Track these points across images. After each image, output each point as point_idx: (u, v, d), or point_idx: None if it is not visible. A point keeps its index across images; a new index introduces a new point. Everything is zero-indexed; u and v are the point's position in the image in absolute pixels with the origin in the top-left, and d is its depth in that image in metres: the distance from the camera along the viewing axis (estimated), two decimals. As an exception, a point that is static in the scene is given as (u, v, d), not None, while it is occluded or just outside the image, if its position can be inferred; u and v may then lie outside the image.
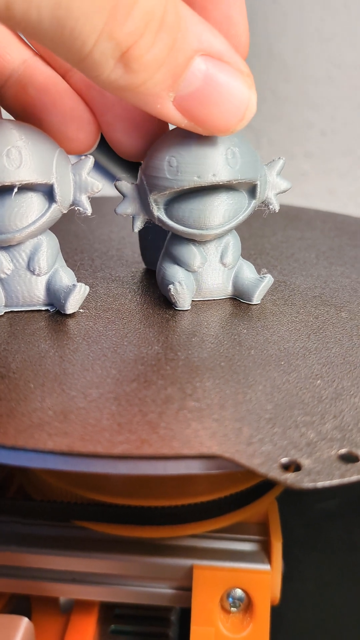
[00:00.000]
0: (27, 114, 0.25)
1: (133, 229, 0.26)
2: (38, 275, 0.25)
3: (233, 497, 0.31)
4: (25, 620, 0.24)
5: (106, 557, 0.31)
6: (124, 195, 0.26)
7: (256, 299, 0.27)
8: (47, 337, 0.24)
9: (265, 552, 0.31)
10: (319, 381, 0.21)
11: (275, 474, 0.16)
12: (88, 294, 0.28)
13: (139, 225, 0.26)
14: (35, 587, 0.31)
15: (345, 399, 0.20)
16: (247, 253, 0.34)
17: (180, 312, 0.26)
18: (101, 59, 0.18)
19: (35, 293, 0.26)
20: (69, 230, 0.38)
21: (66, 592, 0.32)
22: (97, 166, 0.59)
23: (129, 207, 0.26)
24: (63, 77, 0.25)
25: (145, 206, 0.25)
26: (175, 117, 0.21)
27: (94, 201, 0.27)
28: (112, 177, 0.53)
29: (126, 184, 0.26)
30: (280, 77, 0.58)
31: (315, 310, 0.27)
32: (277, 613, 0.33)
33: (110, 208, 0.31)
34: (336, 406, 0.19)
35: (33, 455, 0.17)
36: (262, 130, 0.60)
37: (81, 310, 0.26)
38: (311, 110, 0.60)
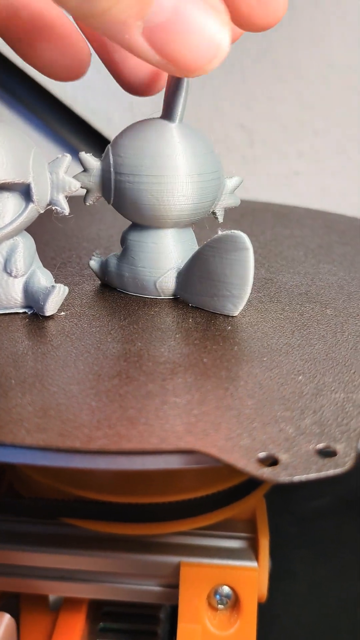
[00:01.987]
0: (20, 39, 0.24)
1: (85, 202, 0.27)
2: (15, 277, 0.25)
3: (220, 494, 0.31)
4: (6, 617, 0.24)
5: (94, 555, 0.31)
6: (85, 168, 0.27)
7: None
8: (30, 335, 0.24)
9: (252, 549, 0.31)
10: (300, 377, 0.21)
11: (252, 468, 0.16)
12: (74, 292, 0.28)
13: (90, 199, 0.27)
14: (24, 585, 0.32)
15: (325, 394, 0.20)
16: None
17: (166, 308, 0.26)
18: None
19: (12, 295, 0.25)
20: (57, 229, 0.38)
21: (54, 590, 0.32)
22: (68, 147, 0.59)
23: (86, 180, 0.27)
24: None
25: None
26: (144, 50, 0.19)
27: (78, 200, 0.27)
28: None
29: (91, 159, 0.26)
30: (273, 77, 0.58)
31: (301, 307, 0.27)
32: (267, 610, 0.33)
33: (99, 207, 0.31)
34: (316, 402, 0.19)
35: (11, 450, 0.17)
36: (255, 129, 0.60)
37: (62, 313, 0.26)
38: (304, 109, 0.60)
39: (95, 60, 0.57)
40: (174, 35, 0.19)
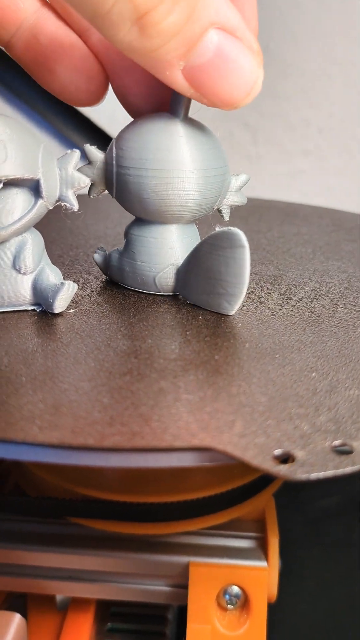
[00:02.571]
0: (38, 63, 0.25)
1: (89, 195, 0.27)
2: (24, 274, 0.25)
3: (230, 494, 0.30)
4: (17, 617, 0.24)
5: (101, 554, 0.30)
6: (89, 161, 0.26)
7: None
8: (40, 332, 0.24)
9: (262, 549, 0.30)
10: (313, 374, 0.21)
11: (268, 465, 0.16)
12: (83, 289, 0.28)
13: (94, 192, 0.27)
14: (31, 585, 0.31)
15: (340, 391, 0.19)
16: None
17: (176, 305, 0.26)
18: (118, 20, 0.18)
19: (21, 292, 0.25)
20: (64, 227, 0.38)
21: (62, 590, 0.32)
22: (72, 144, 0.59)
23: (90, 172, 0.26)
24: (80, 36, 0.25)
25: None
26: (182, 86, 0.21)
27: (86, 198, 0.27)
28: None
29: (95, 151, 0.26)
30: (278, 75, 0.58)
31: (311, 304, 0.27)
32: (277, 610, 0.33)
33: (106, 204, 0.31)
34: (331, 399, 0.19)
35: (23, 448, 0.17)
36: (260, 127, 0.60)
37: (71, 310, 0.25)
38: (308, 107, 0.59)
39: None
40: (214, 74, 0.20)
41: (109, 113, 0.58)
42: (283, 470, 0.16)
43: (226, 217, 0.28)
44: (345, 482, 0.56)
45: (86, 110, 0.58)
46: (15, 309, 0.25)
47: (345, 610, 0.45)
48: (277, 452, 0.16)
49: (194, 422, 0.18)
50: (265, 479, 0.32)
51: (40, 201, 0.24)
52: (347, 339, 0.23)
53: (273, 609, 0.31)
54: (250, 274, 0.30)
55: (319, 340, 0.23)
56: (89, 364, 0.21)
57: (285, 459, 0.16)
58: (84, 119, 0.58)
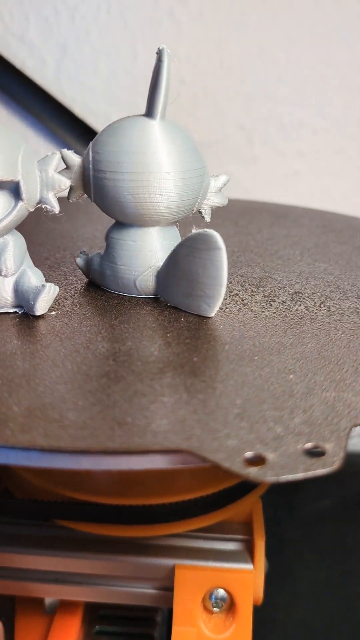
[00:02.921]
0: None
1: (68, 199, 0.27)
2: (5, 276, 0.25)
3: (216, 496, 0.30)
4: (-5, 620, 0.24)
5: (88, 557, 0.30)
6: (67, 165, 0.26)
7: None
8: (20, 335, 0.23)
9: (248, 551, 0.30)
10: (291, 376, 0.21)
11: (238, 467, 0.16)
12: (66, 291, 0.28)
13: (74, 196, 0.27)
14: (18, 588, 0.31)
15: (316, 393, 0.19)
16: (231, 250, 0.34)
17: (158, 308, 0.26)
18: None
19: (2, 295, 0.25)
20: (52, 229, 0.38)
21: (49, 592, 0.31)
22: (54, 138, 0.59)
23: (67, 177, 0.26)
24: None
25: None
26: None
27: (80, 201, 0.27)
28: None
29: (72, 155, 0.26)
30: (272, 76, 0.58)
31: (295, 306, 0.26)
32: (269, 612, 0.33)
33: (94, 207, 0.31)
34: (307, 401, 0.19)
35: (-6, 450, 0.17)
36: (254, 129, 0.60)
37: (52, 312, 0.25)
38: (303, 109, 0.59)
39: (94, 60, 0.57)
40: None
41: (104, 115, 0.58)
42: (252, 472, 0.16)
43: (207, 218, 0.28)
44: (339, 485, 0.56)
45: (82, 113, 0.58)
46: None
47: (337, 612, 0.45)
48: (248, 454, 0.16)
49: (167, 424, 0.18)
50: (251, 483, 0.31)
51: (20, 203, 0.24)
52: (328, 340, 0.23)
53: (264, 610, 0.31)
54: (236, 276, 0.30)
55: (299, 342, 0.23)
56: (66, 367, 0.21)
57: (257, 461, 0.16)
58: (79, 121, 0.58)
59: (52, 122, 0.59)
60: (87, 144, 0.26)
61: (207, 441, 0.17)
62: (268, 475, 0.15)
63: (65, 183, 0.25)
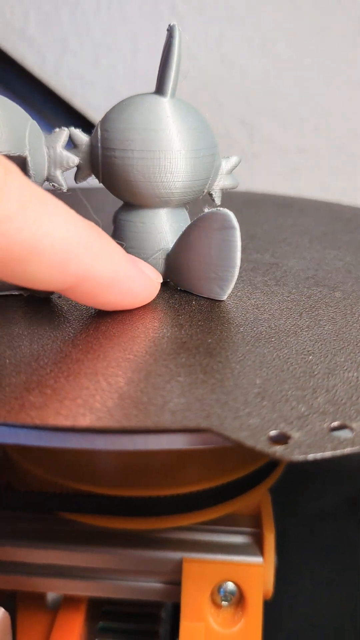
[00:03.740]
0: None
1: (75, 180, 0.26)
2: None
3: (224, 488, 0.30)
4: (0, 611, 0.23)
5: (92, 551, 0.29)
6: (74, 144, 0.26)
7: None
8: (27, 317, 0.23)
9: (257, 544, 0.30)
10: (311, 357, 0.20)
11: (263, 446, 0.15)
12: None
13: (81, 177, 0.26)
14: (20, 582, 0.30)
15: (338, 373, 0.19)
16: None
17: (169, 290, 0.25)
18: None
19: None
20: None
21: (51, 587, 0.31)
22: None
23: (76, 156, 0.25)
24: None
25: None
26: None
27: (84, 190, 0.26)
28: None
29: (80, 134, 0.25)
30: (274, 72, 0.57)
31: (308, 290, 0.26)
32: (272, 610, 0.32)
33: (100, 197, 0.30)
34: (329, 381, 0.18)
35: (5, 429, 0.16)
36: (256, 125, 0.59)
37: (59, 295, 0.25)
38: (304, 105, 0.59)
39: (95, 55, 0.56)
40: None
41: (105, 110, 0.57)
42: (279, 451, 0.15)
43: (217, 200, 0.27)
44: (341, 483, 0.56)
45: (82, 108, 0.58)
46: (3, 293, 0.25)
47: (340, 610, 0.45)
48: (273, 433, 0.16)
49: (185, 403, 0.17)
50: (260, 473, 0.31)
51: None
52: (345, 323, 0.23)
53: (268, 608, 0.30)
54: (246, 261, 0.29)
55: (316, 324, 0.22)
56: (76, 346, 0.20)
57: (282, 439, 0.15)
58: (80, 116, 0.58)
59: (52, 116, 0.59)
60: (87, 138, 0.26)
61: (228, 419, 0.16)
62: (295, 454, 0.15)
63: (73, 160, 0.24)
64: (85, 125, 0.58)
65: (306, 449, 0.15)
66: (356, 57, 0.57)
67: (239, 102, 0.59)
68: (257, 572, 0.29)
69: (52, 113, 0.59)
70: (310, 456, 0.15)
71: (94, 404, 0.17)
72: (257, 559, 0.29)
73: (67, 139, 0.24)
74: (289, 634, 0.43)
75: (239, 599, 0.29)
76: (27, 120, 0.23)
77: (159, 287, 0.23)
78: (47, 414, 0.16)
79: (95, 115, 0.57)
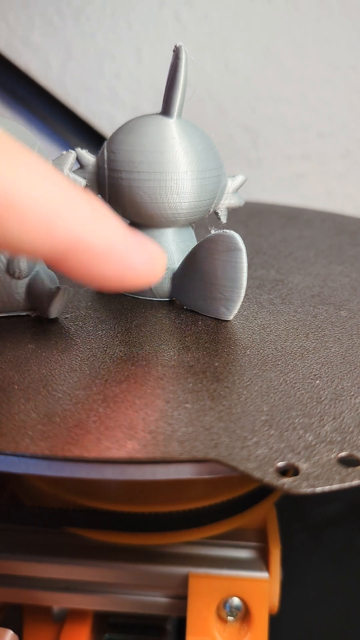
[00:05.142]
0: None
1: None
2: (18, 278, 0.24)
3: (230, 503, 0.30)
4: (9, 633, 0.23)
5: (98, 565, 0.30)
6: (81, 165, 0.26)
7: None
8: (35, 339, 0.23)
9: (263, 559, 0.30)
10: (317, 381, 0.20)
11: (272, 478, 0.15)
12: (79, 294, 0.27)
13: None
14: (27, 596, 0.31)
15: (345, 399, 0.19)
16: (244, 252, 0.33)
17: (174, 311, 0.25)
18: None
19: (15, 297, 0.24)
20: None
21: (58, 601, 0.31)
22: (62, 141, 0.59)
23: (81, 176, 0.26)
24: None
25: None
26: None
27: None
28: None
29: (87, 155, 0.26)
30: (278, 78, 0.57)
31: (314, 309, 0.26)
32: (278, 619, 0.32)
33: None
34: (336, 407, 0.18)
35: (14, 459, 0.16)
36: (259, 131, 0.59)
37: (67, 315, 0.25)
38: (308, 111, 0.59)
39: (99, 62, 0.56)
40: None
41: (108, 117, 0.57)
42: (288, 484, 0.15)
43: (223, 219, 0.27)
44: (346, 490, 0.56)
45: (86, 115, 0.58)
46: (10, 314, 0.25)
47: (347, 618, 0.45)
48: (281, 464, 0.16)
49: (193, 432, 0.17)
50: (266, 488, 0.31)
51: None
52: (351, 345, 0.23)
53: (274, 617, 0.30)
54: (251, 279, 0.29)
55: (322, 346, 0.22)
56: (84, 372, 0.20)
57: (289, 471, 0.16)
58: (83, 123, 0.58)
59: (56, 124, 0.59)
60: (91, 146, 0.26)
61: (235, 449, 0.16)
62: (303, 487, 0.15)
63: (81, 182, 0.24)
64: (89, 132, 0.58)
65: (314, 481, 0.15)
66: (359, 63, 0.57)
67: (243, 109, 0.59)
68: (263, 587, 0.29)
69: (56, 120, 0.59)
70: (319, 489, 0.15)
71: (103, 432, 0.17)
72: (263, 574, 0.29)
73: (74, 161, 0.24)
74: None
75: (244, 614, 0.29)
76: (34, 144, 0.23)
77: (163, 264, 0.21)
78: (56, 444, 0.16)
79: (99, 122, 0.58)
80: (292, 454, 0.16)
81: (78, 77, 0.57)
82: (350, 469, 0.15)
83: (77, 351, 0.22)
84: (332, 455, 0.16)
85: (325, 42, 0.57)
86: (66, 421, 0.17)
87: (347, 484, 0.15)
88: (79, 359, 0.21)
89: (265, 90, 0.58)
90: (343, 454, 0.16)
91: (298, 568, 0.47)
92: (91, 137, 0.58)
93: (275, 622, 0.31)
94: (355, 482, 0.15)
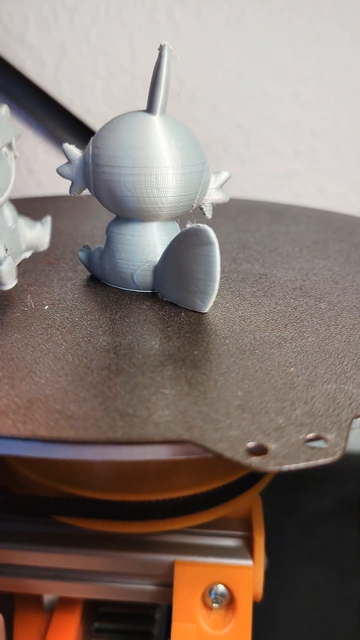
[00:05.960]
0: None
1: (70, 193, 0.27)
2: None
3: (215, 492, 0.30)
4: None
5: (87, 553, 0.30)
6: (69, 160, 0.27)
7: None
8: (21, 328, 0.23)
9: (248, 547, 0.30)
10: (292, 369, 0.21)
11: (241, 457, 0.16)
12: (66, 286, 0.28)
13: (75, 190, 0.27)
14: (17, 584, 0.31)
15: (317, 385, 0.19)
16: (230, 247, 0.34)
17: (158, 302, 0.26)
18: None
19: None
20: (54, 227, 0.37)
21: (47, 589, 0.31)
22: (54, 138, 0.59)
23: (69, 171, 0.27)
24: None
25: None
26: None
27: (79, 199, 0.27)
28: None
29: (74, 150, 0.27)
30: (270, 76, 0.58)
31: (295, 302, 0.26)
32: (268, 611, 0.33)
33: (94, 206, 0.31)
34: (308, 392, 0.19)
35: (-3, 441, 0.17)
36: (252, 129, 0.60)
37: (53, 307, 0.25)
38: (301, 109, 0.59)
39: (93, 61, 0.57)
40: None
41: (102, 115, 0.58)
42: (255, 462, 0.16)
43: (208, 214, 0.28)
44: (339, 485, 0.56)
45: (80, 113, 0.58)
46: None
47: (335, 611, 0.45)
48: (250, 444, 0.16)
49: (169, 415, 0.18)
50: (251, 478, 0.31)
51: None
52: (328, 334, 0.23)
53: (263, 609, 0.31)
54: (236, 272, 0.30)
55: (299, 336, 0.23)
56: (67, 360, 0.21)
57: (259, 451, 0.16)
58: (78, 121, 0.58)
59: (50, 122, 0.59)
60: (85, 144, 0.27)
61: (208, 431, 0.17)
62: (270, 465, 0.15)
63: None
64: (83, 130, 0.59)
65: (281, 460, 0.16)
66: (351, 62, 0.58)
67: (236, 106, 0.59)
68: (247, 574, 0.29)
69: (51, 118, 0.59)
70: (285, 467, 0.15)
71: (82, 415, 0.18)
72: (247, 562, 0.30)
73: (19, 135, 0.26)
74: (285, 634, 0.44)
75: (229, 601, 0.29)
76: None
77: None
78: (37, 427, 0.17)
79: (93, 120, 0.58)
80: (263, 435, 0.17)
81: (72, 75, 0.58)
82: (316, 449, 0.16)
83: (62, 340, 0.23)
84: (301, 437, 0.17)
85: (318, 41, 0.57)
86: (48, 406, 0.18)
87: (312, 463, 0.15)
88: (63, 348, 0.22)
89: (258, 88, 0.59)
90: (311, 435, 0.17)
91: (289, 562, 0.47)
92: (86, 135, 0.59)
93: (266, 614, 0.32)
94: (320, 461, 0.16)
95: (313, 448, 0.16)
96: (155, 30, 0.55)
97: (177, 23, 0.55)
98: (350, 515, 0.54)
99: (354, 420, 0.18)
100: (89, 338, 0.23)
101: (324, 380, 0.20)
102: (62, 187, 0.27)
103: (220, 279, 0.24)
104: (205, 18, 0.55)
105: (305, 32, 0.57)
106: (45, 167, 0.61)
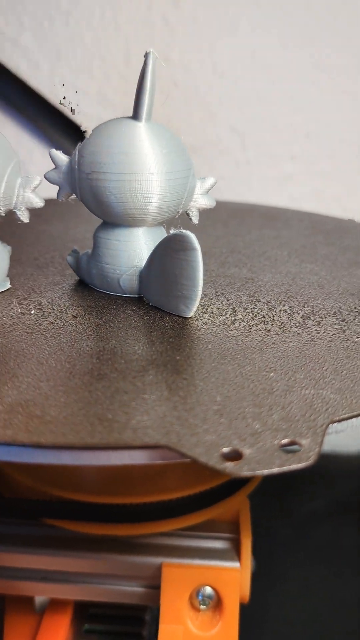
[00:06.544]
0: None
1: (57, 198, 0.28)
2: None
3: (203, 495, 0.31)
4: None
5: (75, 556, 0.30)
6: (55, 165, 0.27)
7: None
8: (6, 333, 0.24)
9: (235, 550, 0.30)
10: (272, 374, 0.21)
11: (215, 462, 0.16)
12: (53, 291, 0.28)
13: (62, 196, 0.27)
14: (7, 586, 0.31)
15: (296, 390, 0.20)
16: (219, 251, 0.34)
17: (144, 307, 0.26)
18: None
19: None
20: (44, 231, 0.38)
21: (37, 591, 0.32)
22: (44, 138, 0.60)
23: (56, 176, 0.27)
24: None
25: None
26: None
27: (69, 203, 0.28)
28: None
29: (60, 155, 0.27)
30: (265, 80, 0.58)
31: (279, 306, 0.27)
32: (260, 612, 0.33)
33: (85, 209, 0.31)
34: (286, 398, 0.19)
35: (-24, 446, 0.17)
36: (247, 132, 0.60)
37: (39, 312, 0.26)
38: (295, 112, 0.60)
39: (88, 64, 0.57)
40: None
41: (98, 118, 0.58)
42: (229, 467, 0.16)
43: (195, 220, 0.28)
44: (331, 486, 0.56)
45: (75, 117, 0.58)
46: None
47: (327, 612, 0.45)
48: (225, 449, 0.17)
49: (148, 420, 0.18)
50: (239, 481, 0.32)
51: None
52: (310, 339, 0.23)
53: (255, 611, 0.31)
54: (223, 277, 0.30)
55: (281, 341, 0.23)
56: (50, 364, 0.21)
57: (234, 456, 0.16)
58: (73, 124, 0.59)
59: (46, 125, 0.60)
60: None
61: (185, 437, 0.17)
62: (244, 470, 0.16)
63: (38, 204, 0.26)
64: (79, 134, 0.59)
65: (255, 465, 0.16)
66: (346, 65, 0.58)
67: (231, 110, 0.59)
68: (234, 576, 0.30)
69: (46, 121, 0.60)
70: (259, 472, 0.16)
71: (61, 420, 0.18)
72: (234, 564, 0.30)
73: (39, 184, 0.26)
74: (276, 635, 0.44)
75: (216, 603, 0.30)
76: (11, 159, 0.24)
77: None
78: (16, 431, 0.17)
79: (88, 124, 0.58)
80: (239, 440, 0.17)
81: (68, 78, 0.58)
82: (290, 455, 0.16)
83: (46, 345, 0.23)
84: (276, 442, 0.17)
85: (312, 44, 0.57)
86: (28, 411, 0.18)
87: (285, 468, 0.16)
88: (47, 352, 0.22)
89: (252, 91, 0.59)
90: (285, 440, 0.17)
91: (282, 563, 0.48)
92: (80, 139, 0.59)
93: (258, 616, 0.32)
94: (293, 467, 0.16)
95: (287, 453, 0.16)
96: (150, 34, 0.56)
97: (172, 26, 0.56)
98: (344, 516, 0.54)
99: (330, 425, 0.18)
100: (73, 343, 0.23)
101: (303, 385, 0.20)
102: (56, 190, 0.27)
103: (207, 283, 0.24)
104: (200, 22, 0.55)
105: (300, 36, 0.57)
106: (40, 170, 0.61)
